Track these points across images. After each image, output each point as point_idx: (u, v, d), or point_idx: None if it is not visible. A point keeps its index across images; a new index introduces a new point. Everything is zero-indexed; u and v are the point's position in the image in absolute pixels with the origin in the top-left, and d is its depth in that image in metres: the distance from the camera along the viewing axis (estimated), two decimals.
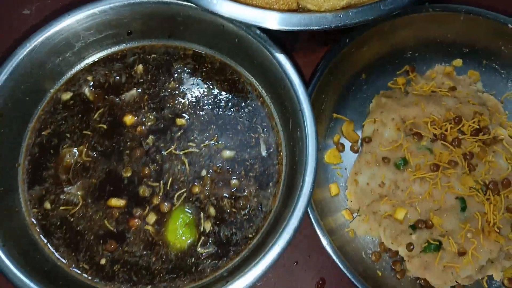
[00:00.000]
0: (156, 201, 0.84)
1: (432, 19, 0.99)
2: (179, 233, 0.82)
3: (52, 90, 0.88)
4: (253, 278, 0.72)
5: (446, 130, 0.94)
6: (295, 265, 0.93)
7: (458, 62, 1.04)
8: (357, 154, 0.99)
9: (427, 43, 1.03)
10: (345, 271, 0.84)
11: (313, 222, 0.85)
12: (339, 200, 0.96)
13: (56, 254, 0.81)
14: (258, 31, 0.82)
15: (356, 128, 1.00)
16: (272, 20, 0.75)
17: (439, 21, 0.99)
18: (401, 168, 0.92)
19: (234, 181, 0.86)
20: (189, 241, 0.82)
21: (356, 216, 0.94)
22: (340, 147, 0.99)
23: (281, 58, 0.81)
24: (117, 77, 0.90)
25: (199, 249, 0.82)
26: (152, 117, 0.88)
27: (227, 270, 0.80)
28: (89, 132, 0.87)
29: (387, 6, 0.78)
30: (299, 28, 0.77)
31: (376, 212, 0.91)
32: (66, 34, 0.83)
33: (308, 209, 0.84)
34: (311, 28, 0.77)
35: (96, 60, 0.90)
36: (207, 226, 0.83)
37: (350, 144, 0.99)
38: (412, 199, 0.90)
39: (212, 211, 0.84)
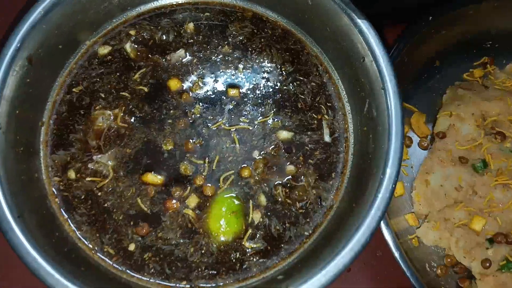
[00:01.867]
0: (199, 181, 0.71)
1: None
2: (224, 222, 0.69)
3: (88, 42, 0.76)
4: (319, 286, 0.58)
5: None
6: (347, 273, 0.80)
7: None
8: (425, 152, 0.86)
9: (510, 35, 0.90)
10: (413, 282, 0.72)
11: (382, 224, 0.72)
12: (402, 202, 0.83)
13: (77, 232, 0.68)
14: None
15: (426, 121, 0.88)
16: None
17: None
18: (480, 171, 0.80)
19: (290, 167, 0.73)
20: (234, 233, 0.69)
21: (424, 222, 0.81)
22: (407, 142, 0.86)
23: (364, 25, 0.68)
24: (164, 35, 0.77)
25: (245, 243, 0.69)
26: (200, 84, 0.75)
27: (280, 271, 0.67)
28: (127, 94, 0.74)
29: None
30: None
31: (449, 219, 0.79)
32: None
33: None
34: None
35: (141, 12, 0.78)
36: (256, 216, 0.71)
37: (419, 139, 0.87)
38: (492, 208, 0.78)
39: (262, 199, 0.71)
